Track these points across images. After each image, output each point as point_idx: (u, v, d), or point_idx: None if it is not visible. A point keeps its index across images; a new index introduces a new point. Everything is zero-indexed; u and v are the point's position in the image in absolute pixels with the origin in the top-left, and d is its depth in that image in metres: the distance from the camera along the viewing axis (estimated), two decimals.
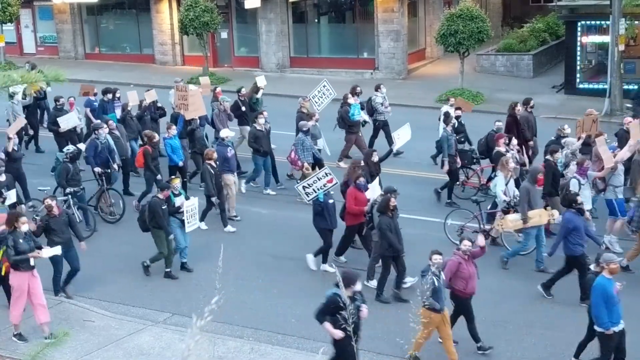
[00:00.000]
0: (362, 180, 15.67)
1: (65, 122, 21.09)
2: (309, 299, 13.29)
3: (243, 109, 22.65)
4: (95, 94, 23.53)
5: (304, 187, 15.82)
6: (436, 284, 11.78)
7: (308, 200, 15.92)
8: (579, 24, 31.36)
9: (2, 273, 13.12)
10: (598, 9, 29.98)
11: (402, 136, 19.62)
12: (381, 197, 14.78)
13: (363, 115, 22.44)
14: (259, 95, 23.72)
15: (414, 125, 20.67)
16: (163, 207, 15.18)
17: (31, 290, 12.93)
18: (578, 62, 31.41)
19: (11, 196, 15.98)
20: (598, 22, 30.84)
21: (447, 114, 20.44)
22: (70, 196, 17.49)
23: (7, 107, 22.89)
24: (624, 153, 17.28)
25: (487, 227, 16.76)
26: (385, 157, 18.61)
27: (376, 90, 23.22)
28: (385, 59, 34.86)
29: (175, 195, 15.69)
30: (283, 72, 35.85)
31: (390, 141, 21.54)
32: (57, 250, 13.58)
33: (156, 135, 19.61)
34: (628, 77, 29.83)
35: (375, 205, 14.91)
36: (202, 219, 17.52)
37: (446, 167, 19.19)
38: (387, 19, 34.46)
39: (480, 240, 12.89)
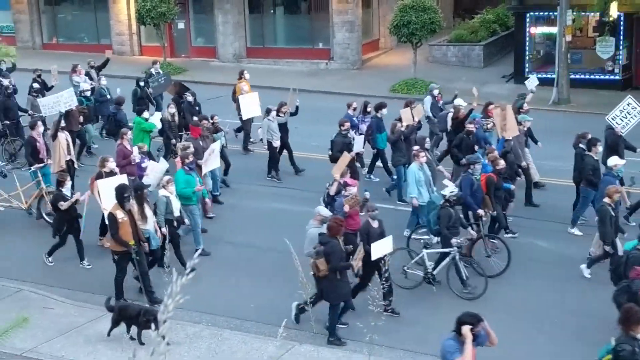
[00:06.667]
0: None
1: None
2: (267, 286, 13.66)
3: None
4: (355, 109, 20.51)
5: None
6: None
7: None
8: (528, 15, 32.33)
9: None
10: (546, 0, 30.89)
11: None
12: None
13: None
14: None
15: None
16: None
17: None
18: (527, 53, 32.37)
19: None
20: (546, 13, 31.84)
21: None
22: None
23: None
24: None
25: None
26: None
27: None
28: (340, 50, 35.46)
29: None
30: (240, 63, 36.26)
31: None
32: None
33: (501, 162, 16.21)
34: (575, 67, 30.85)
35: None
36: None
37: None
38: (341, 9, 35.08)
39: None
